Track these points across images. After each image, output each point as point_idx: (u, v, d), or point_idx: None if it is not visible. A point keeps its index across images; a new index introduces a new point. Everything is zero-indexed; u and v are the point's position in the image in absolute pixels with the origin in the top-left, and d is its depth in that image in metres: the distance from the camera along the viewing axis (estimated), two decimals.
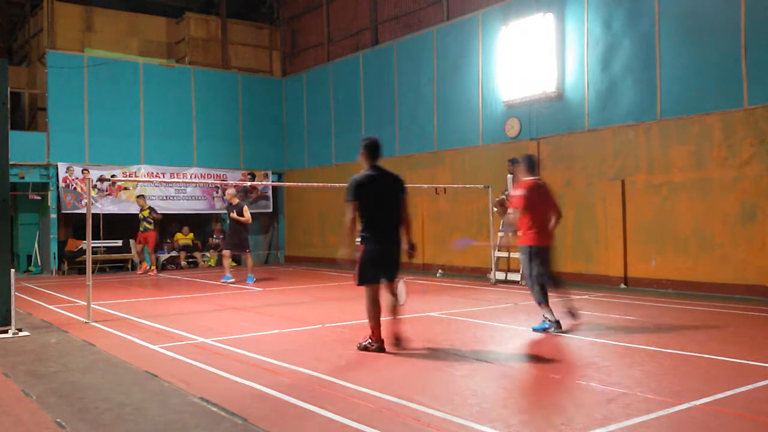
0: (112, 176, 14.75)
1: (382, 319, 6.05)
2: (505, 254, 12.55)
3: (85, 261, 9.07)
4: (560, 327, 6.87)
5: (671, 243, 10.49)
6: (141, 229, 15.55)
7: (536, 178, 7.25)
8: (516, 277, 12.16)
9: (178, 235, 18.05)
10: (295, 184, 16.60)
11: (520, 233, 7.09)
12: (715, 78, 10.11)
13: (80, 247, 16.20)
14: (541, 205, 7.06)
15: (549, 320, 6.88)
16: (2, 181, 7.37)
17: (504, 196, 12.53)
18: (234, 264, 15.87)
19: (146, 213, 15.49)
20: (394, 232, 6.13)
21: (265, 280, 13.83)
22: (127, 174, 16.94)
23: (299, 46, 19.84)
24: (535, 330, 6.93)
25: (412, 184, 14.49)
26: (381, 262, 6.04)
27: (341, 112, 17.77)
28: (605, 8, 11.59)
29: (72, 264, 16.35)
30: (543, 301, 6.92)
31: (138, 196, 15.89)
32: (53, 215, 16.26)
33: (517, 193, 7.18)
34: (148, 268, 15.73)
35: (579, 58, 12.00)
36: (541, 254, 6.95)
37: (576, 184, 11.99)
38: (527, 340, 6.63)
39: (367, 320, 6.08)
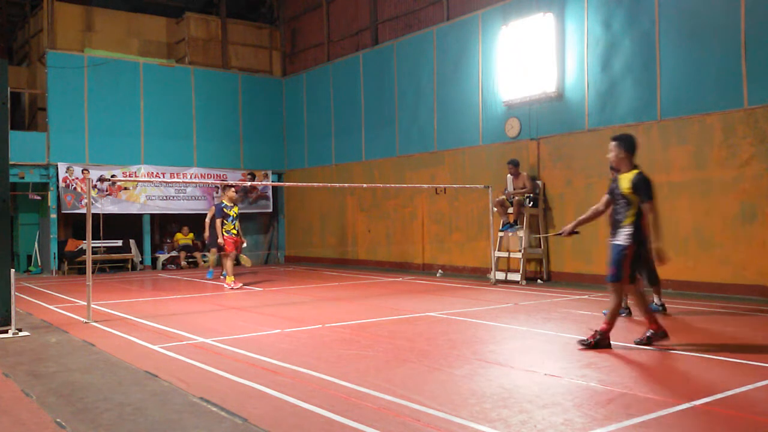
0: (112, 176, 14.74)
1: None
2: (505, 254, 12.55)
3: (85, 261, 9.07)
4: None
5: (671, 243, 10.46)
6: (234, 230, 12.13)
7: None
8: (516, 277, 12.16)
9: (178, 235, 18.05)
10: (295, 184, 16.61)
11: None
12: (715, 78, 10.11)
13: (80, 247, 16.20)
14: None
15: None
16: (2, 181, 7.37)
17: (504, 197, 12.54)
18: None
19: (237, 210, 12.39)
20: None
21: (266, 280, 13.83)
22: (127, 174, 16.94)
23: (299, 46, 19.84)
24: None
25: (412, 184, 14.72)
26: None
27: (341, 112, 17.77)
28: (605, 8, 11.59)
29: (72, 264, 16.35)
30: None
31: (228, 187, 12.41)
32: (53, 215, 16.26)
33: None
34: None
35: (579, 58, 12.00)
36: None
37: (576, 184, 11.99)
38: (527, 340, 6.63)
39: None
